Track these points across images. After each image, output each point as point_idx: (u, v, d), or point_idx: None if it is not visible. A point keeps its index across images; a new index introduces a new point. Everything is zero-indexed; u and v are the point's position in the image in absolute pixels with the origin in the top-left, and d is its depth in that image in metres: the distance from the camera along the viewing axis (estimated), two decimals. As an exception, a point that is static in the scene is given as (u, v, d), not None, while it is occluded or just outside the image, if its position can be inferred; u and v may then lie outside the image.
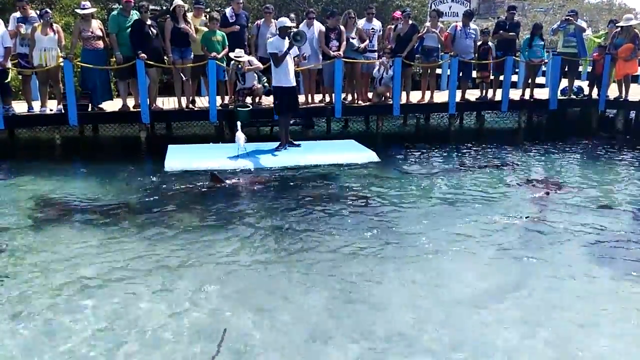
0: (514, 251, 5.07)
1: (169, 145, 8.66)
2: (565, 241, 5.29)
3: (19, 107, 9.00)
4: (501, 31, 10.59)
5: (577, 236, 5.43)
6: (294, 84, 8.34)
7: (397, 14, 10.56)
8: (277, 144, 8.67)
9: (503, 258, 4.94)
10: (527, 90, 11.11)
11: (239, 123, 8.35)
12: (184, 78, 9.10)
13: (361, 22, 10.02)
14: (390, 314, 3.96)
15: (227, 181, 7.13)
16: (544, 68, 12.25)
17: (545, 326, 3.81)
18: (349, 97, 10.26)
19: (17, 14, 8.76)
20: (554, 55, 11.10)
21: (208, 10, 10.45)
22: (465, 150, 9.35)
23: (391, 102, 10.04)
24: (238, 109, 8.96)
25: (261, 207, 6.28)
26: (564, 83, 11.37)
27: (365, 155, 8.57)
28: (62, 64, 8.56)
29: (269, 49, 8.06)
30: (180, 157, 8.14)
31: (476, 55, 10.47)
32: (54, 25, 8.72)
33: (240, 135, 8.12)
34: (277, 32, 8.21)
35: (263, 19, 9.78)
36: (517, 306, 4.10)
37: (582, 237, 5.40)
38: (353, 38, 9.65)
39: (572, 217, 5.95)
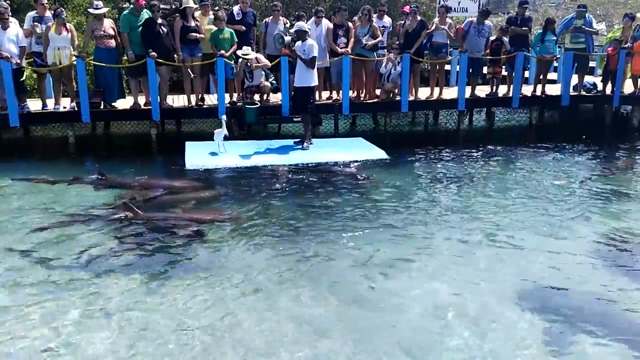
0: (528, 255, 5.01)
1: (187, 142, 8.75)
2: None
3: (34, 104, 9.26)
4: (512, 27, 10.51)
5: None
6: (300, 84, 8.48)
7: (407, 8, 10.53)
8: (290, 141, 9.00)
9: (520, 264, 4.86)
10: (539, 86, 11.02)
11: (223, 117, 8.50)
12: (192, 75, 9.23)
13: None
14: (400, 322, 3.94)
15: (141, 213, 5.94)
16: (555, 64, 12.11)
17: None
18: (354, 95, 10.28)
19: (33, 13, 8.98)
20: (565, 51, 10.99)
21: (217, 8, 10.54)
22: (475, 149, 9.26)
23: (399, 99, 10.05)
24: (246, 106, 9.07)
25: (271, 207, 6.31)
26: (577, 79, 11.25)
27: (374, 153, 8.65)
28: (75, 62, 8.76)
29: None
30: (199, 155, 8.26)
31: (488, 50, 10.41)
32: (67, 24, 8.92)
33: (219, 131, 8.28)
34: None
35: (271, 17, 9.85)
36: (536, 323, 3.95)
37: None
38: (365, 35, 9.67)
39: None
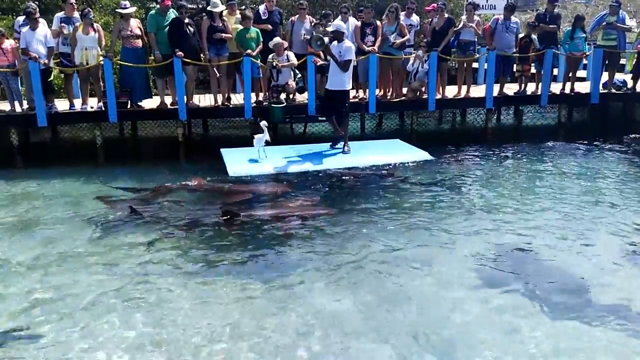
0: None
1: (222, 149, 8.62)
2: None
3: (61, 104, 9.28)
4: (541, 24, 10.32)
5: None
6: (335, 87, 8.24)
7: (432, 6, 10.37)
8: (327, 145, 8.91)
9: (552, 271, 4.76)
10: (568, 84, 10.80)
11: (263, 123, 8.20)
12: (218, 75, 9.18)
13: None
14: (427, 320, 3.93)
15: (243, 213, 6.11)
16: (585, 61, 11.88)
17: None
18: (380, 93, 10.15)
19: (61, 14, 9.00)
20: (595, 47, 10.77)
21: (243, 7, 10.50)
22: (503, 148, 9.12)
23: (426, 97, 9.91)
24: (272, 105, 9.01)
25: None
26: (607, 77, 11.01)
27: (417, 154, 8.55)
28: (102, 62, 8.76)
29: None
30: (239, 162, 8.09)
31: (517, 48, 10.22)
32: (95, 24, 8.92)
33: (260, 137, 8.06)
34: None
35: (297, 16, 9.77)
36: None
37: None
38: (392, 33, 9.54)
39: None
